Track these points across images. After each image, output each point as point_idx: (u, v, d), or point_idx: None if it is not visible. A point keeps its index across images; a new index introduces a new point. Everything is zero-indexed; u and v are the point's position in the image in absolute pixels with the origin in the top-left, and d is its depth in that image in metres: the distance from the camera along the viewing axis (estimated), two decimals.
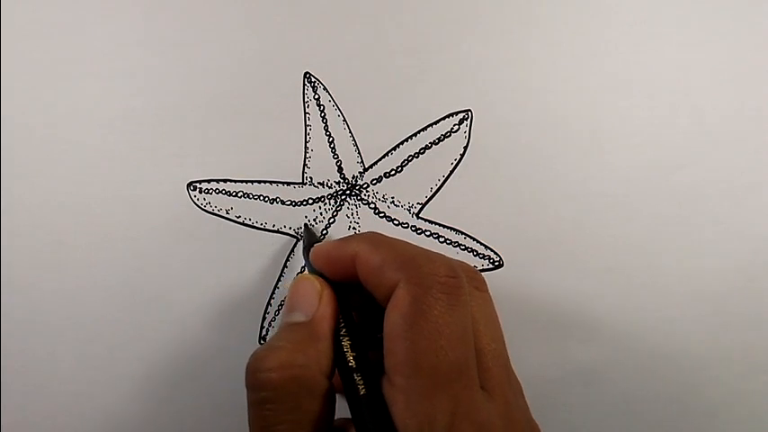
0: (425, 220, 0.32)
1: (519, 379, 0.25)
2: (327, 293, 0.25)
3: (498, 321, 0.25)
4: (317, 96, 0.32)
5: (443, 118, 0.32)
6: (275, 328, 0.32)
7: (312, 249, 0.26)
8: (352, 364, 0.23)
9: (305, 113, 0.32)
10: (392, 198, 0.32)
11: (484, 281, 0.25)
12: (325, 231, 0.32)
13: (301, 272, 0.32)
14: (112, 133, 0.31)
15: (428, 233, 0.32)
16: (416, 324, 0.21)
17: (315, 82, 0.32)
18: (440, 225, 0.32)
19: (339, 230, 0.32)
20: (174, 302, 0.31)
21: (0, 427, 0.31)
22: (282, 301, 0.32)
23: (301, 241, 0.32)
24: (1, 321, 0.31)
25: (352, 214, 0.32)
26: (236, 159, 0.32)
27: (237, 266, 0.32)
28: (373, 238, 0.25)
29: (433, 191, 0.32)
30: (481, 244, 0.32)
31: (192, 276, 0.32)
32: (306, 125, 0.32)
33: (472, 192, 0.32)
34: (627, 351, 0.33)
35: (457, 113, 0.32)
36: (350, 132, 0.32)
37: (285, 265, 0.32)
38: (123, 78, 0.31)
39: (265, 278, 0.32)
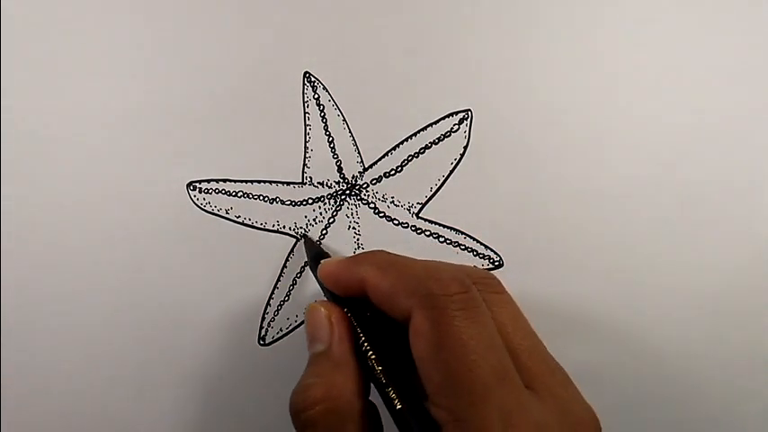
0: (425, 220, 0.32)
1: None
2: (336, 316, 0.25)
3: (524, 317, 0.25)
4: (316, 96, 0.32)
5: (443, 118, 0.32)
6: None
7: (320, 267, 0.27)
8: (382, 378, 0.23)
9: (305, 113, 0.32)
10: (392, 198, 0.32)
11: (499, 283, 0.25)
12: (324, 231, 0.32)
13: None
14: (112, 133, 0.31)
15: (428, 233, 0.32)
16: (442, 346, 0.21)
17: (315, 82, 0.32)
18: (440, 225, 0.32)
19: (339, 230, 0.32)
20: (174, 302, 0.31)
21: (0, 427, 0.31)
22: (282, 301, 0.32)
23: (301, 241, 0.32)
24: (1, 321, 0.31)
25: (352, 214, 0.32)
26: (235, 159, 0.32)
27: (237, 266, 0.32)
28: (380, 261, 0.25)
29: (433, 191, 0.32)
30: (481, 244, 0.32)
31: (191, 276, 0.32)
32: (306, 125, 0.32)
33: (472, 192, 0.32)
34: (626, 351, 0.33)
35: (457, 113, 0.32)
36: (350, 132, 0.32)
37: (285, 265, 0.32)
38: (123, 78, 0.31)
39: (265, 278, 0.32)
